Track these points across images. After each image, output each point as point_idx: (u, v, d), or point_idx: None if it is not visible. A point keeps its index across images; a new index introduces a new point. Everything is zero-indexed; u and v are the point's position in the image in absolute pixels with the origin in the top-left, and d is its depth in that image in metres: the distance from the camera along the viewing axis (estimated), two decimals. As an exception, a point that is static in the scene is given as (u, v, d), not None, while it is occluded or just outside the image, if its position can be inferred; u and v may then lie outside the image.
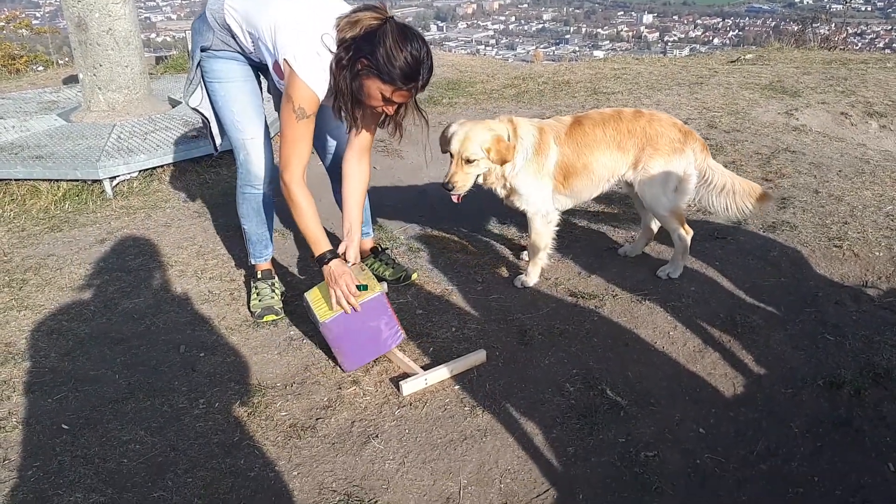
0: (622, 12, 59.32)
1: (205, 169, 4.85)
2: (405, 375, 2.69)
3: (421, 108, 2.73)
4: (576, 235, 3.80)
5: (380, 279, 3.14)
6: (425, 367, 2.72)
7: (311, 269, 3.56)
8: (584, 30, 55.95)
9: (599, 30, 55.36)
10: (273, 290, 3.19)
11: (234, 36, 2.72)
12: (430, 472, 2.27)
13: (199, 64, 2.82)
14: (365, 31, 2.42)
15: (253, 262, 3.26)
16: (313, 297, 2.78)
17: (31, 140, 4.95)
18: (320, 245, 2.69)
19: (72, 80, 7.55)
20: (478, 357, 2.77)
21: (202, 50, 2.78)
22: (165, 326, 3.09)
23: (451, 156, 3.00)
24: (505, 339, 2.93)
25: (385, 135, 5.01)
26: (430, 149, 3.25)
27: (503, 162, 2.98)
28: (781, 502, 2.13)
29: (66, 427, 2.49)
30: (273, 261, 3.34)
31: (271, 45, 2.54)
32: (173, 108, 5.66)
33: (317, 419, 2.51)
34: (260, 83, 3.01)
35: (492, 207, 3.94)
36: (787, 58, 8.16)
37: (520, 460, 2.31)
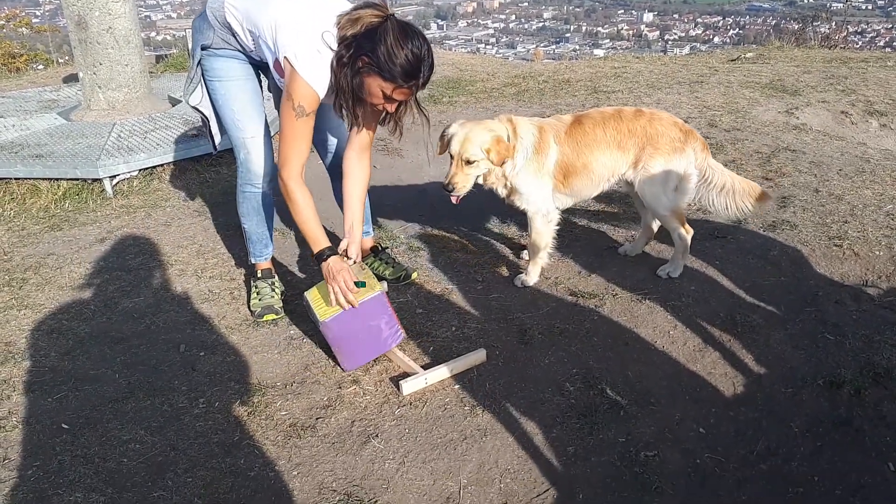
0: (622, 11, 59.27)
1: (205, 168, 4.85)
2: (405, 375, 2.69)
3: (422, 106, 2.72)
4: (576, 235, 3.80)
5: (380, 278, 3.14)
6: (425, 367, 2.72)
7: (311, 268, 3.56)
8: (584, 28, 55.92)
9: (600, 28, 55.32)
10: (273, 290, 3.19)
11: (234, 34, 2.72)
12: (430, 472, 2.27)
13: (199, 62, 2.82)
14: (366, 29, 2.42)
15: (253, 262, 3.26)
16: (313, 296, 2.77)
17: (31, 139, 4.94)
18: (319, 242, 2.69)
19: (72, 78, 7.55)
20: (478, 356, 2.77)
21: (203, 48, 2.78)
22: (165, 325, 3.09)
23: (451, 157, 3.00)
24: (505, 338, 2.93)
25: (385, 134, 5.01)
26: (431, 147, 3.25)
27: (503, 162, 2.98)
28: (781, 502, 2.13)
29: (66, 426, 2.49)
30: (273, 260, 3.34)
31: (272, 43, 2.54)
32: (173, 106, 5.66)
33: (317, 419, 2.52)
34: (260, 82, 3.00)
35: (492, 206, 3.94)
36: (787, 56, 8.16)
37: (520, 460, 2.31)
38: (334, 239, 2.90)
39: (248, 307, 3.19)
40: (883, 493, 2.13)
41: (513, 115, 3.11)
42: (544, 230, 3.20)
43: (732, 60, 8.20)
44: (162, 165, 4.75)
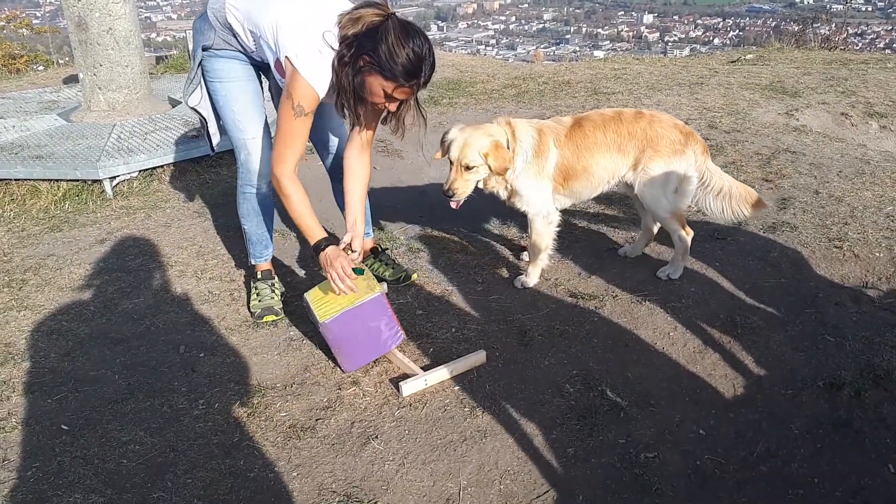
0: (622, 12, 59.30)
1: (205, 169, 4.85)
2: (405, 376, 2.69)
3: (421, 106, 2.72)
4: (576, 236, 3.80)
5: (380, 279, 3.14)
6: (425, 368, 2.72)
7: (311, 269, 3.56)
8: (584, 30, 55.93)
9: (600, 30, 55.34)
10: (273, 291, 3.19)
11: (235, 35, 2.72)
12: (429, 473, 2.27)
13: (200, 63, 2.82)
14: (367, 28, 2.42)
15: (253, 263, 3.26)
16: (313, 297, 2.77)
17: (31, 140, 4.95)
18: (315, 234, 2.70)
19: (72, 79, 7.55)
20: (478, 358, 2.77)
21: (204, 49, 2.78)
22: (165, 327, 3.09)
23: (451, 162, 3.00)
24: (505, 339, 2.93)
25: (385, 135, 5.01)
26: (427, 148, 3.25)
27: (502, 171, 2.97)
28: (781, 503, 2.13)
29: (65, 427, 2.49)
30: (273, 261, 3.33)
31: (273, 42, 2.54)
32: (173, 107, 5.66)
33: (316, 420, 2.51)
34: (261, 83, 3.01)
35: (492, 208, 3.94)
36: (787, 58, 8.16)
37: (519, 461, 2.30)
38: (334, 239, 2.89)
39: (248, 308, 3.19)
40: (883, 495, 2.13)
41: (512, 118, 3.11)
42: (545, 231, 3.20)
43: (732, 62, 8.20)
44: (162, 166, 4.76)
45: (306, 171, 4.60)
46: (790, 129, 5.37)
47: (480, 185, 3.10)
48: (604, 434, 2.39)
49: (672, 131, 3.12)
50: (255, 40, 2.67)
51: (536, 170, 3.08)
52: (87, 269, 3.60)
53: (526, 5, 63.31)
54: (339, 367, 2.76)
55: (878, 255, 3.43)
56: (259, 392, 2.65)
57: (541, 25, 58.68)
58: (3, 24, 14.15)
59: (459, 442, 2.39)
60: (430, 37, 2.51)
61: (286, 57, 2.48)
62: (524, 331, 2.97)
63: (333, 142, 3.17)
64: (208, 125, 2.99)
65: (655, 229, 3.49)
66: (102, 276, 3.53)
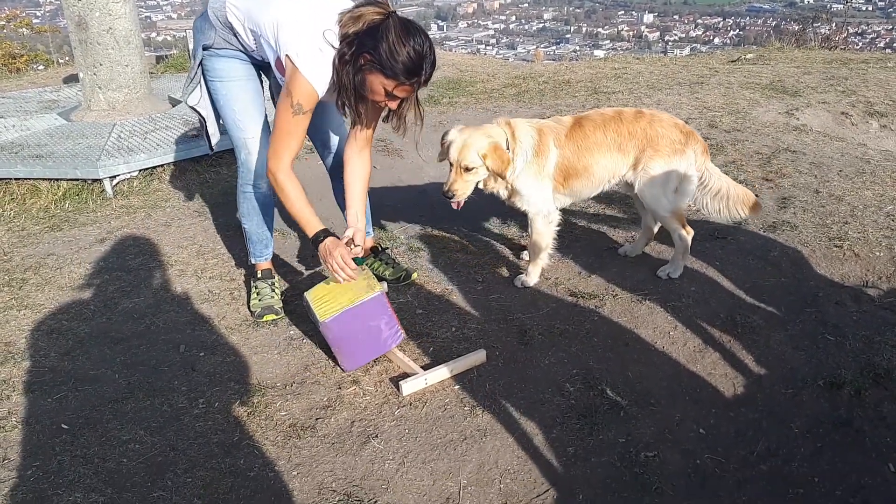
0: (623, 12, 59.29)
1: (205, 168, 4.85)
2: (405, 375, 2.69)
3: (419, 105, 2.72)
4: (576, 235, 3.80)
5: (380, 279, 3.14)
6: (425, 367, 2.72)
7: (312, 268, 3.56)
8: (584, 29, 55.93)
9: (600, 29, 55.34)
10: (273, 290, 3.19)
11: (236, 34, 2.72)
12: (429, 473, 2.27)
13: (200, 62, 2.82)
14: (367, 26, 2.42)
15: (253, 262, 3.26)
16: (313, 296, 2.77)
17: (31, 139, 4.94)
18: (313, 226, 2.71)
19: (72, 79, 7.55)
20: (478, 357, 2.77)
21: (204, 48, 2.78)
22: (165, 326, 3.09)
23: (450, 164, 3.00)
24: (505, 338, 2.93)
25: (385, 134, 5.01)
26: (427, 148, 3.25)
27: (500, 173, 2.97)
28: (782, 503, 2.13)
29: (65, 427, 2.49)
30: (273, 260, 3.33)
31: (273, 41, 2.54)
32: (173, 107, 5.66)
33: (316, 419, 2.51)
34: (262, 82, 3.00)
35: (492, 207, 3.94)
36: (787, 57, 8.16)
37: (520, 460, 2.30)
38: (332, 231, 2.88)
39: (248, 307, 3.19)
40: (883, 494, 2.13)
41: (511, 118, 3.11)
42: (545, 231, 3.20)
43: (733, 61, 8.20)
44: (162, 166, 4.76)
45: (306, 171, 4.60)
46: (790, 129, 5.37)
47: (481, 186, 3.10)
48: (604, 433, 2.39)
49: (672, 131, 3.12)
50: (255, 39, 2.67)
51: (536, 169, 3.08)
52: (88, 269, 3.60)
53: (526, 5, 63.31)
54: (339, 367, 2.76)
55: (878, 254, 3.43)
56: (259, 391, 2.65)
57: (541, 25, 58.68)
58: (3, 23, 14.15)
59: (459, 441, 2.39)
60: (430, 36, 2.51)
61: (286, 55, 2.48)
62: (524, 330, 2.97)
63: (334, 140, 3.17)
64: (207, 124, 2.99)
65: (656, 228, 3.49)
66: (102, 275, 3.53)
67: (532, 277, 3.30)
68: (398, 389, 2.62)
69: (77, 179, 4.51)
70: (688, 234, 3.25)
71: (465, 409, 2.54)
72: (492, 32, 55.63)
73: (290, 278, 3.48)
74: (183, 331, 3.05)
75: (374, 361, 2.78)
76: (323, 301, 2.71)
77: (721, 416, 2.46)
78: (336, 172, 3.19)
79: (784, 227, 3.71)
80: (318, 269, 3.55)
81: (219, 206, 4.31)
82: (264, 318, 3.09)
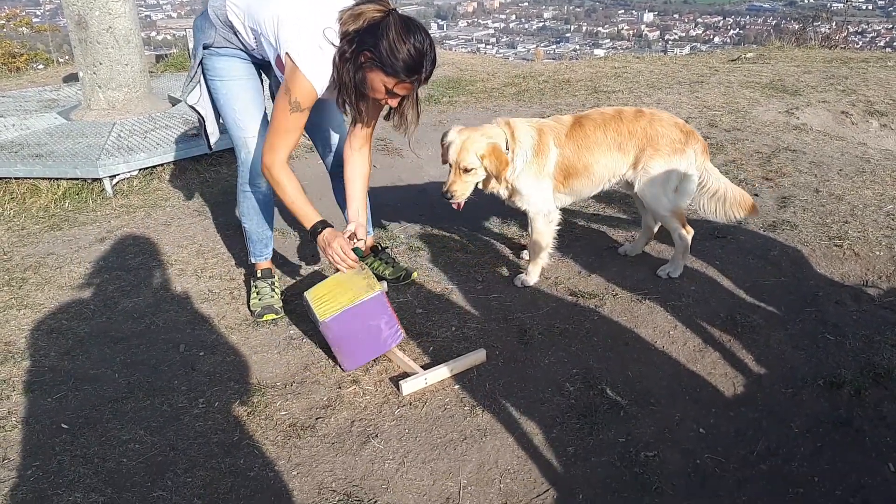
0: (623, 10, 59.29)
1: (205, 167, 4.85)
2: (405, 375, 2.69)
3: (418, 103, 2.72)
4: (576, 234, 3.80)
5: (380, 278, 3.14)
6: (425, 367, 2.72)
7: (312, 267, 3.56)
8: (584, 28, 55.94)
9: (600, 28, 55.35)
10: (273, 289, 3.19)
11: (236, 33, 2.72)
12: (429, 472, 2.27)
13: (201, 61, 2.82)
14: (368, 24, 2.42)
15: (253, 261, 3.26)
16: (313, 295, 2.77)
17: (31, 138, 4.94)
18: (310, 218, 2.71)
19: (72, 78, 7.55)
20: (478, 356, 2.77)
21: (205, 47, 2.78)
22: (165, 325, 3.09)
23: (449, 165, 3.00)
24: (505, 338, 2.93)
25: (385, 133, 5.01)
26: (417, 145, 3.24)
27: (498, 175, 2.97)
28: (781, 502, 2.12)
29: (65, 426, 2.49)
30: (273, 259, 3.33)
31: (273, 39, 2.54)
32: (173, 106, 5.65)
33: (316, 419, 2.51)
34: (262, 81, 3.00)
35: (492, 206, 3.94)
36: (787, 56, 8.16)
37: (519, 460, 2.30)
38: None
39: (248, 307, 3.19)
40: (883, 494, 2.13)
41: (511, 118, 3.11)
42: (545, 230, 3.20)
43: (733, 60, 8.20)
44: (162, 165, 4.75)
45: (306, 171, 4.60)
46: (790, 128, 5.36)
47: (480, 186, 3.10)
48: (604, 433, 2.39)
49: (672, 130, 3.11)
50: (255, 37, 2.66)
51: (537, 169, 3.08)
52: (87, 268, 3.60)
53: (526, 4, 63.30)
54: (339, 366, 2.76)
55: (878, 253, 3.42)
56: (259, 391, 2.65)
57: (541, 24, 58.67)
58: (3, 22, 14.15)
59: (459, 441, 2.39)
60: (430, 34, 2.51)
61: (286, 53, 2.48)
62: (524, 329, 2.97)
63: (334, 139, 3.17)
64: (206, 124, 2.99)
65: (655, 228, 3.49)
66: (102, 274, 3.53)
67: (532, 277, 3.30)
68: (398, 389, 2.62)
69: (77, 179, 4.51)
70: (688, 233, 3.24)
71: (465, 408, 2.54)
72: (492, 31, 55.63)
73: (290, 278, 3.47)
74: (183, 330, 3.05)
75: (374, 361, 2.78)
76: (323, 300, 2.71)
77: (721, 415, 2.46)
78: (336, 172, 3.18)
79: (784, 227, 3.71)
80: (318, 268, 3.55)
81: (219, 206, 4.31)
82: (264, 318, 3.09)
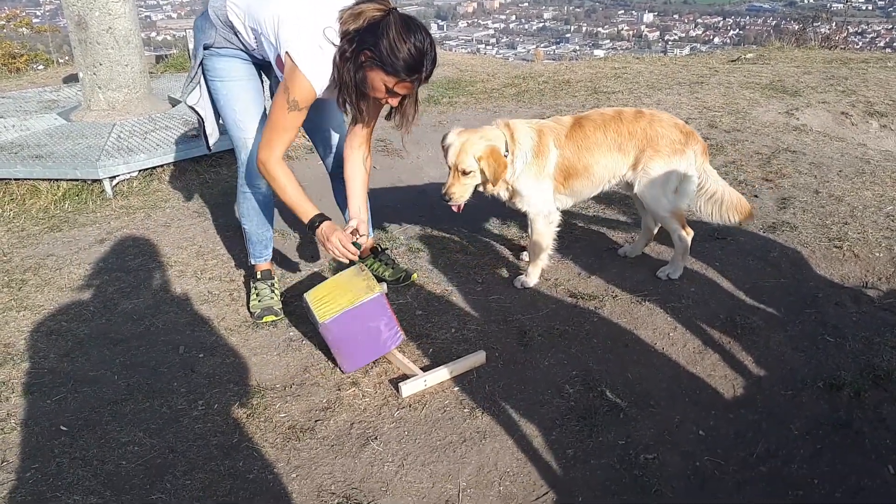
0: (623, 11, 59.30)
1: (205, 168, 4.85)
2: (404, 377, 2.69)
3: (417, 102, 2.72)
4: (576, 236, 3.80)
5: (379, 280, 3.13)
6: (425, 369, 2.72)
7: (311, 269, 3.56)
8: (584, 29, 55.95)
9: (600, 29, 55.36)
10: (273, 291, 3.19)
11: (236, 33, 2.71)
12: (429, 475, 2.27)
13: (201, 62, 2.81)
14: (368, 23, 2.41)
15: (253, 263, 3.25)
16: (313, 297, 2.77)
17: (30, 139, 4.94)
18: (307, 212, 2.70)
19: (72, 78, 7.55)
20: (477, 358, 2.77)
21: (205, 48, 2.78)
22: (165, 327, 3.09)
23: (449, 167, 3.00)
24: (505, 340, 2.92)
25: (385, 134, 5.01)
26: (408, 143, 3.22)
27: (495, 179, 2.96)
28: (781, 505, 2.13)
29: (64, 428, 2.49)
30: (273, 261, 3.33)
31: (274, 38, 2.54)
32: (173, 107, 5.65)
33: (316, 421, 2.51)
34: (262, 82, 3.00)
35: (491, 208, 3.94)
36: (787, 57, 8.16)
37: (519, 462, 2.30)
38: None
39: (248, 308, 3.19)
40: (883, 496, 2.12)
41: (511, 120, 3.11)
42: (546, 231, 3.20)
43: (732, 61, 8.20)
44: (162, 166, 4.75)
45: (306, 172, 4.60)
46: (790, 129, 5.36)
47: (480, 189, 3.09)
48: (603, 435, 2.39)
49: (672, 131, 3.11)
50: (256, 37, 2.66)
51: (537, 170, 3.08)
52: (87, 269, 3.59)
53: (526, 4, 63.32)
54: (339, 368, 2.76)
55: (878, 254, 3.42)
56: (258, 393, 2.65)
57: (541, 24, 58.69)
58: (3, 22, 14.15)
59: (459, 443, 2.39)
60: (430, 34, 2.50)
61: (286, 52, 2.48)
62: (524, 331, 2.97)
63: (335, 139, 3.16)
64: (205, 124, 2.99)
65: (655, 229, 3.49)
66: (102, 276, 3.53)
67: (532, 278, 3.30)
68: (398, 391, 2.62)
69: (77, 180, 4.51)
70: (687, 234, 3.24)
71: (465, 410, 2.54)
72: (492, 32, 55.65)
73: (290, 279, 3.47)
74: (182, 332, 3.05)
75: (374, 363, 2.78)
76: (322, 302, 2.71)
77: (721, 417, 2.46)
78: (337, 173, 3.18)
79: (784, 228, 3.71)
80: (317, 269, 3.54)
81: (218, 207, 4.30)
82: (264, 320, 3.09)
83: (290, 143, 2.68)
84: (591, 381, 2.66)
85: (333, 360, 2.78)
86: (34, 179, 4.49)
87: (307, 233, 2.97)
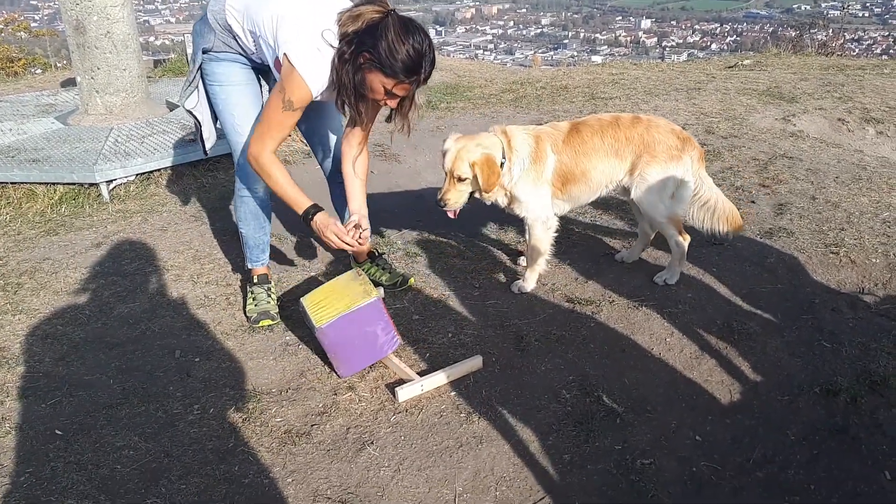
0: (620, 17, 59.54)
1: (202, 173, 4.85)
2: (401, 381, 2.68)
3: (414, 105, 2.72)
4: (573, 241, 3.80)
5: (376, 284, 3.14)
6: (421, 374, 2.71)
7: (308, 273, 3.55)
8: (582, 35, 56.15)
9: (598, 35, 55.56)
10: (269, 295, 3.18)
11: (235, 37, 2.72)
12: (425, 480, 2.26)
13: (199, 66, 2.82)
14: (367, 25, 2.42)
15: (249, 267, 3.25)
16: (310, 301, 2.77)
17: (28, 143, 4.94)
18: (301, 204, 2.70)
19: (70, 83, 7.54)
20: (474, 363, 2.76)
21: (204, 52, 2.78)
22: (161, 331, 3.08)
23: (445, 173, 3.01)
24: (502, 344, 2.92)
25: (382, 139, 5.01)
26: (413, 151, 3.24)
27: (488, 188, 2.96)
28: (778, 510, 2.12)
29: (59, 432, 2.47)
30: (270, 265, 3.32)
31: (272, 39, 2.54)
32: (171, 111, 5.65)
33: (312, 425, 2.50)
34: (261, 86, 3.00)
35: (489, 213, 3.94)
36: (784, 63, 8.19)
37: (515, 467, 2.30)
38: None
39: (244, 313, 3.18)
40: (879, 501, 2.12)
41: (507, 126, 3.11)
42: (543, 237, 3.20)
43: (730, 67, 8.23)
44: (159, 170, 4.75)
45: (304, 176, 4.60)
46: (787, 135, 5.38)
47: (477, 196, 3.09)
48: (600, 440, 2.39)
49: (669, 136, 3.12)
50: (254, 40, 2.67)
51: (535, 176, 3.08)
52: (83, 273, 3.59)
53: (524, 10, 63.54)
54: (335, 373, 2.75)
55: (874, 260, 3.43)
56: (254, 397, 2.64)
57: (539, 30, 58.89)
58: (1, 27, 14.16)
59: (455, 448, 2.38)
60: (428, 37, 2.51)
61: (284, 53, 2.48)
62: (521, 336, 2.97)
63: (332, 142, 3.16)
64: (203, 128, 2.99)
65: (652, 234, 3.49)
66: (98, 279, 3.52)
67: (529, 283, 3.30)
68: (394, 396, 2.62)
69: (73, 184, 4.50)
70: (684, 240, 3.25)
71: (462, 415, 2.53)
72: (490, 37, 55.83)
73: (287, 283, 3.47)
74: (178, 336, 3.04)
75: (370, 367, 2.78)
76: (319, 306, 2.70)
77: (717, 422, 2.46)
78: (334, 177, 3.18)
79: (780, 234, 3.71)
80: (314, 274, 3.54)
81: (215, 211, 4.30)
82: (260, 324, 3.08)
83: (283, 141, 2.69)
84: (588, 386, 2.65)
85: (330, 365, 2.78)
86: (31, 183, 4.49)
87: (302, 227, 2.96)
